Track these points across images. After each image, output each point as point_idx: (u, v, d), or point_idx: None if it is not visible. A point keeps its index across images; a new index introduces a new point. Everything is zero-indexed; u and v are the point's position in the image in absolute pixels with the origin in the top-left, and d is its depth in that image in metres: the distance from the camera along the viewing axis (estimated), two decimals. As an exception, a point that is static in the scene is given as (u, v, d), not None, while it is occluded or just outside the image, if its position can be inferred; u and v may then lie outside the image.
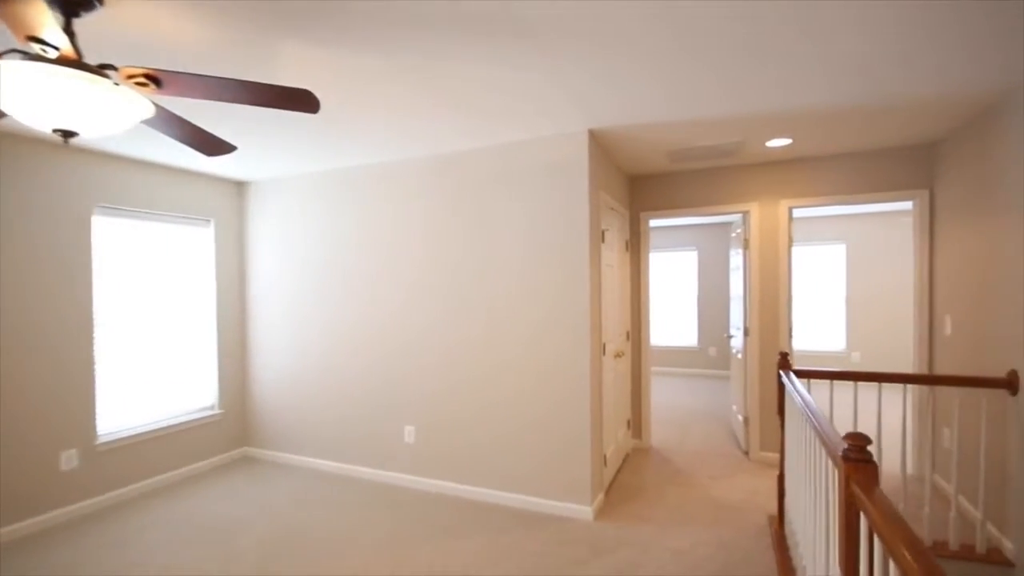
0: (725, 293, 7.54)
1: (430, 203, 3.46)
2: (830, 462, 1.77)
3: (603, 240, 3.37)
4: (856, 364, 6.87)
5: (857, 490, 1.22)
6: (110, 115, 1.49)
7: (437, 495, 3.40)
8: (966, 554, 2.44)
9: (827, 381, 6.13)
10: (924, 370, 3.48)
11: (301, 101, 1.55)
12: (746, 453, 4.08)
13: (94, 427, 3.26)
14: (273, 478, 3.75)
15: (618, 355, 3.66)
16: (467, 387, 3.35)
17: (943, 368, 3.28)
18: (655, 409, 5.66)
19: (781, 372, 2.75)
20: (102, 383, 3.35)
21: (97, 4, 1.56)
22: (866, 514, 1.16)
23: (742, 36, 1.88)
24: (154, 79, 1.57)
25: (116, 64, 2.06)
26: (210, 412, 3.98)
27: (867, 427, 4.72)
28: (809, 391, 2.27)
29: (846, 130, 3.11)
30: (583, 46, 1.96)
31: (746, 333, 4.05)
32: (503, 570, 2.49)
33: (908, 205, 6.15)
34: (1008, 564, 2.38)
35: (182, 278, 3.88)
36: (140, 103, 1.59)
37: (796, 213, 6.21)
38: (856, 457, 1.27)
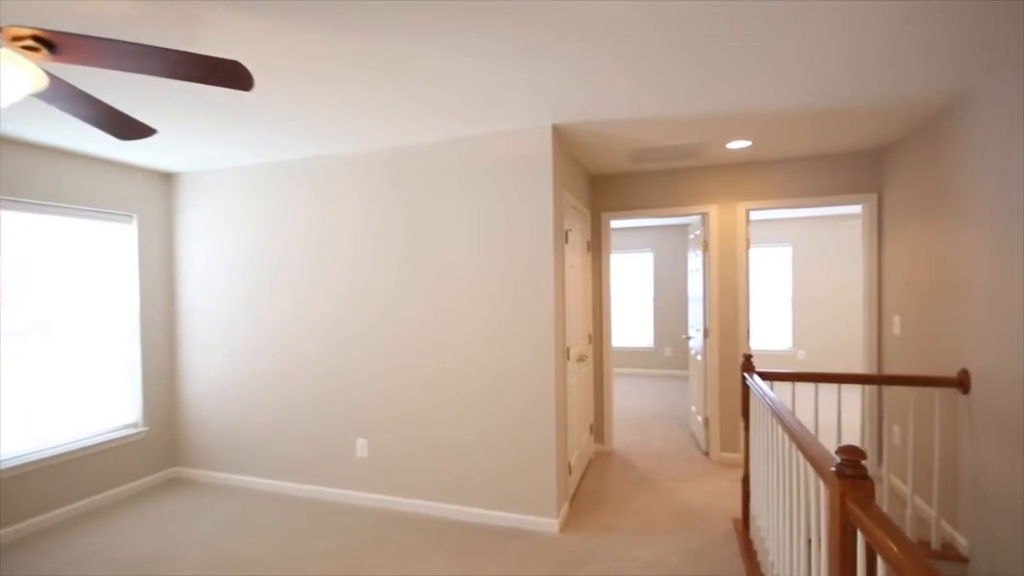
0: (681, 295, 7.66)
1: (382, 198, 3.23)
2: (811, 473, 1.71)
3: (567, 240, 3.26)
4: (801, 362, 7.14)
5: (856, 509, 1.14)
6: (-15, 83, 1.22)
7: (393, 512, 3.18)
8: (922, 551, 2.48)
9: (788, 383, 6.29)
10: (874, 369, 3.59)
11: (230, 75, 1.32)
12: (706, 454, 4.09)
13: (-11, 453, 2.82)
14: (207, 502, 3.39)
15: (581, 359, 3.56)
16: (419, 391, 3.15)
17: (893, 366, 3.38)
18: (615, 411, 5.62)
19: (746, 375, 2.72)
20: (4, 401, 2.91)
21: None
22: (866, 534, 1.08)
23: (707, 31, 1.80)
24: (47, 42, 1.29)
25: None
26: (133, 430, 3.56)
27: (825, 426, 4.83)
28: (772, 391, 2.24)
29: (800, 135, 3.15)
30: (548, 33, 1.82)
31: (706, 334, 4.05)
32: (466, 595, 2.32)
33: (852, 209, 6.45)
34: (962, 560, 2.44)
35: (100, 281, 3.44)
36: (29, 71, 1.31)
37: (751, 216, 6.35)
38: (852, 474, 1.19)
